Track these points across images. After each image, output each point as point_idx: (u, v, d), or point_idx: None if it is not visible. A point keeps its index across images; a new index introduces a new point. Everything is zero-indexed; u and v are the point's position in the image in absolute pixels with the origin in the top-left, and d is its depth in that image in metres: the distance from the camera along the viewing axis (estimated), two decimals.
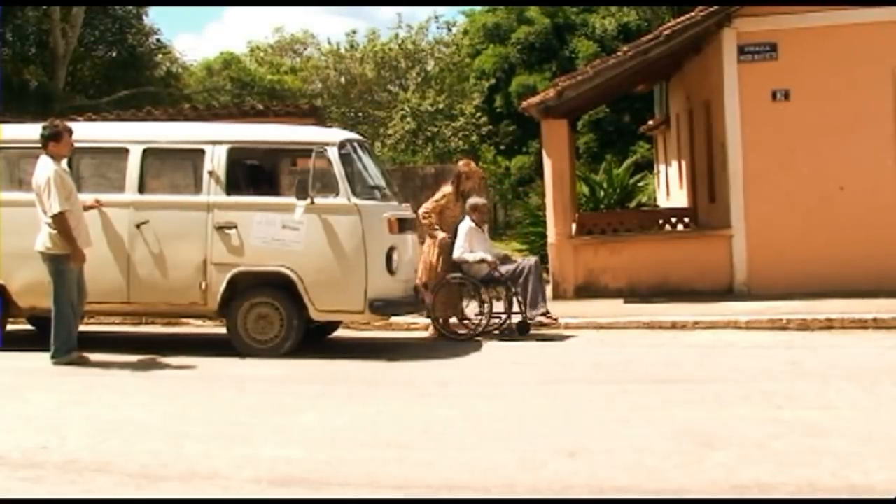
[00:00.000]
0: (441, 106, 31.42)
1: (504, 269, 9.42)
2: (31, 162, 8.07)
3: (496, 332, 9.44)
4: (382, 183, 8.99)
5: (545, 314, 9.27)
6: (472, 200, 9.73)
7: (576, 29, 31.42)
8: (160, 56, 30.05)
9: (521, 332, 9.33)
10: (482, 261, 9.38)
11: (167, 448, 5.12)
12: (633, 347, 8.70)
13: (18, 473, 4.66)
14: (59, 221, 7.58)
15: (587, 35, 30.82)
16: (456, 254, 9.49)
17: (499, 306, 9.53)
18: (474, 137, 31.30)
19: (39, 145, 7.79)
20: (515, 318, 9.45)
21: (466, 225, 9.58)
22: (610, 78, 11.95)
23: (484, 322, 9.37)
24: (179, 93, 28.76)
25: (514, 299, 9.39)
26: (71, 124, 8.23)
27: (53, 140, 7.77)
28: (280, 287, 8.24)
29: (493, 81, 31.19)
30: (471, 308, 9.73)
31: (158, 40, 29.51)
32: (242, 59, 37.27)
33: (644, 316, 9.95)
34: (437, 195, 9.89)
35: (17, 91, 22.22)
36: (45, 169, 7.65)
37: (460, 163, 10.59)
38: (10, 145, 8.70)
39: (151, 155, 8.56)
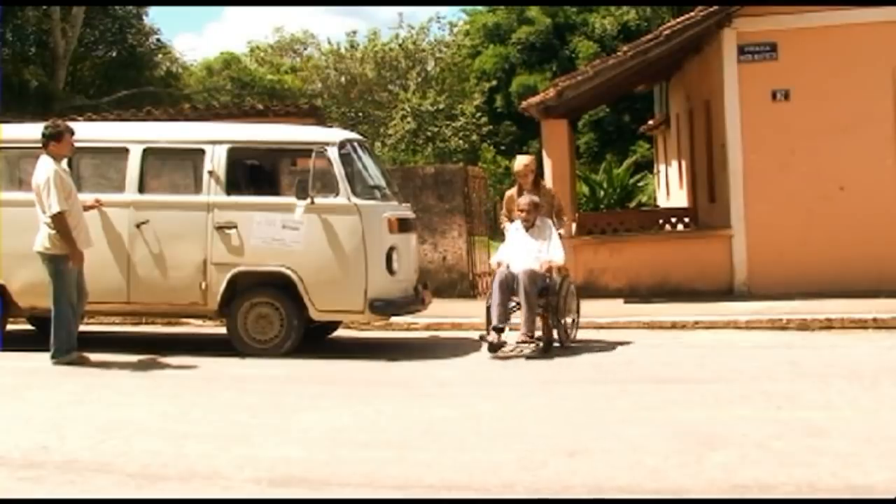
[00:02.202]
0: (441, 106, 31.37)
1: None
2: (31, 162, 8.07)
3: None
4: (382, 183, 8.98)
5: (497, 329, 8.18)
6: (518, 199, 8.90)
7: (576, 29, 31.48)
8: (160, 56, 30.03)
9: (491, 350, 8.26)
10: (499, 264, 8.62)
11: (167, 448, 5.12)
12: (633, 347, 8.70)
13: (18, 473, 4.66)
14: (58, 221, 7.57)
15: (587, 35, 30.87)
16: None
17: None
18: (475, 137, 31.27)
19: (39, 145, 7.79)
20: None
21: (512, 226, 8.90)
22: (610, 78, 11.95)
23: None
24: (179, 93, 28.72)
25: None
26: (71, 124, 8.23)
27: (54, 140, 7.77)
28: (280, 287, 8.24)
29: (493, 82, 31.21)
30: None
31: (158, 40, 29.51)
32: (242, 59, 37.20)
33: (644, 316, 9.95)
34: (505, 198, 9.34)
35: (17, 91, 22.20)
36: (45, 168, 7.65)
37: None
38: (10, 145, 8.70)
39: (151, 155, 8.57)
